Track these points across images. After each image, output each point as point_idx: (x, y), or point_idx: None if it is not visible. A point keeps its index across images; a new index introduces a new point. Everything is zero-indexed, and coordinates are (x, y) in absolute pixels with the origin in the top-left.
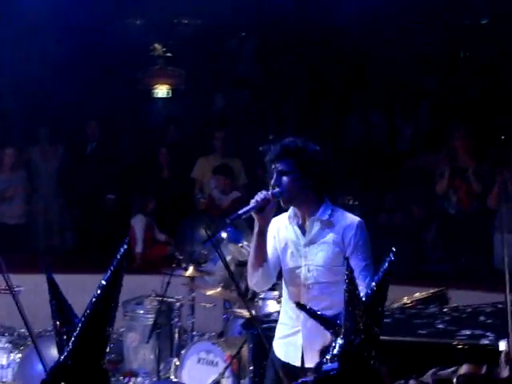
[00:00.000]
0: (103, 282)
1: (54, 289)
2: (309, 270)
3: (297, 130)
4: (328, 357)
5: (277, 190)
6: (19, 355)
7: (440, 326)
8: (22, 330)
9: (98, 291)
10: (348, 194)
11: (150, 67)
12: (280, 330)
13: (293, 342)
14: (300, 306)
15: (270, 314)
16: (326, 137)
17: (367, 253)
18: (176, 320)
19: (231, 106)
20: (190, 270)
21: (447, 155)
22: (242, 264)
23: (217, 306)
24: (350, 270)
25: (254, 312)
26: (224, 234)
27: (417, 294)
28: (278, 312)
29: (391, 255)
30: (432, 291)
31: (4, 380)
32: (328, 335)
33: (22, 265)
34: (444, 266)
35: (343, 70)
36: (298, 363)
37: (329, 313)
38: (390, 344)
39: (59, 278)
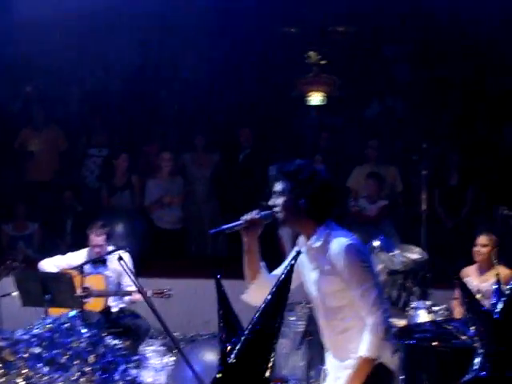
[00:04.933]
0: (269, 297)
1: (222, 299)
2: (319, 296)
3: (452, 139)
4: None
5: (267, 212)
6: (173, 358)
7: None
8: (176, 333)
9: (264, 305)
10: (503, 204)
11: (305, 75)
12: None
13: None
14: None
15: (421, 324)
16: (482, 145)
17: (362, 276)
18: None
19: (386, 113)
20: None
21: None
22: (394, 273)
23: None
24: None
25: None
26: (376, 243)
27: None
28: (430, 322)
29: None
30: None
31: (157, 383)
32: None
33: (177, 270)
34: None
35: (500, 78)
36: None
37: (345, 334)
38: None
39: (209, 284)
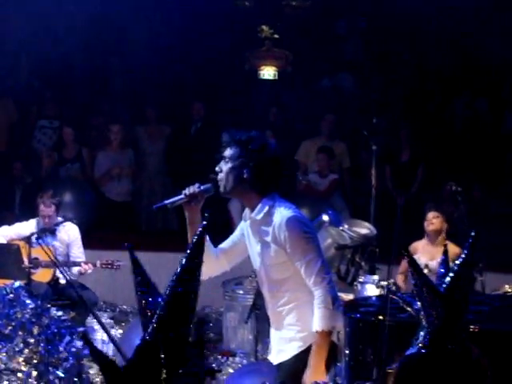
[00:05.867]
0: (183, 261)
1: (137, 267)
2: (263, 268)
3: (402, 114)
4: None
5: (207, 185)
6: (120, 331)
7: None
8: (124, 307)
9: (180, 268)
10: (452, 180)
11: (257, 49)
12: None
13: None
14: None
15: (367, 298)
16: (432, 121)
17: (305, 247)
18: None
19: (337, 88)
20: None
21: None
22: (343, 247)
23: None
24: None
25: (352, 296)
26: (325, 217)
27: None
28: (377, 296)
29: (471, 238)
30: None
31: None
32: None
33: (126, 242)
34: None
35: (451, 55)
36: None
37: (288, 307)
38: (490, 333)
39: (159, 257)
